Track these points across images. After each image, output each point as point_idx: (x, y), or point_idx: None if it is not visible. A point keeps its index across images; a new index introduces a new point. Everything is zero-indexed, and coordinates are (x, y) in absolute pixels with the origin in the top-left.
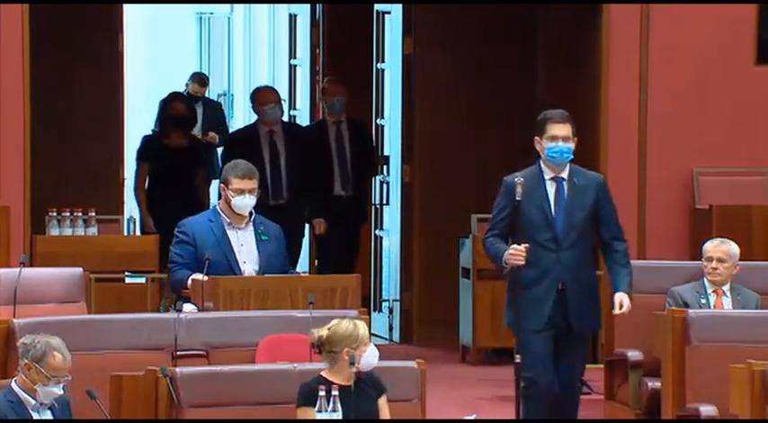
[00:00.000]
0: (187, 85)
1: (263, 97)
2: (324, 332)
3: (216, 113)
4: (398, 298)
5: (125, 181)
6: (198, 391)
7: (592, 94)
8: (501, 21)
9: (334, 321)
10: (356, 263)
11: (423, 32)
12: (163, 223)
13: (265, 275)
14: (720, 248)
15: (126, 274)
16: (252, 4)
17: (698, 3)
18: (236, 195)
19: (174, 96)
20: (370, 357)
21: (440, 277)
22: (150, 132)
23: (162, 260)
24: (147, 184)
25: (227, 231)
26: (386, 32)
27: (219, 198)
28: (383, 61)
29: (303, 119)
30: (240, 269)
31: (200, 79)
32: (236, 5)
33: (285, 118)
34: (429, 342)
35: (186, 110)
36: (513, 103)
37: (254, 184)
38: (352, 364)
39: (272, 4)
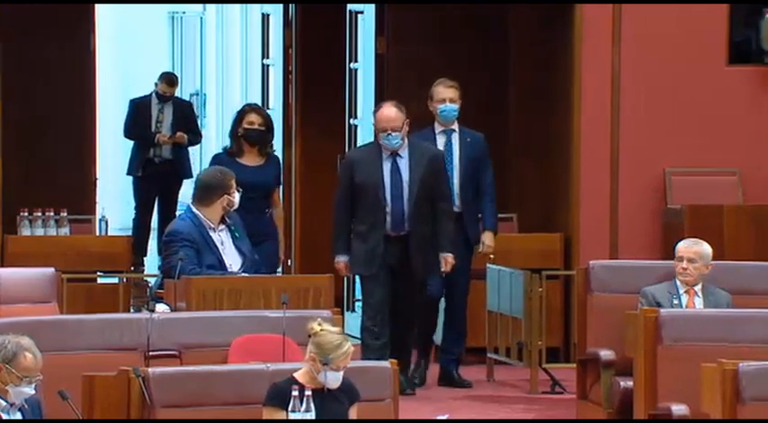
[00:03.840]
0: (156, 84)
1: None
2: (317, 329)
3: (187, 113)
4: None
5: (97, 181)
6: (170, 392)
7: (564, 95)
8: (474, 21)
9: (333, 329)
10: None
11: (396, 32)
12: None
13: (238, 275)
14: (692, 249)
15: (98, 274)
16: (224, 4)
17: (669, 3)
18: (234, 193)
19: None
20: (331, 379)
21: None
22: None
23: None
24: None
25: (210, 233)
26: (359, 32)
27: (202, 202)
28: (356, 61)
29: (275, 119)
30: (228, 270)
31: (168, 79)
32: (208, 5)
33: None
34: None
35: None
36: (486, 102)
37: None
38: (319, 372)
39: (244, 4)
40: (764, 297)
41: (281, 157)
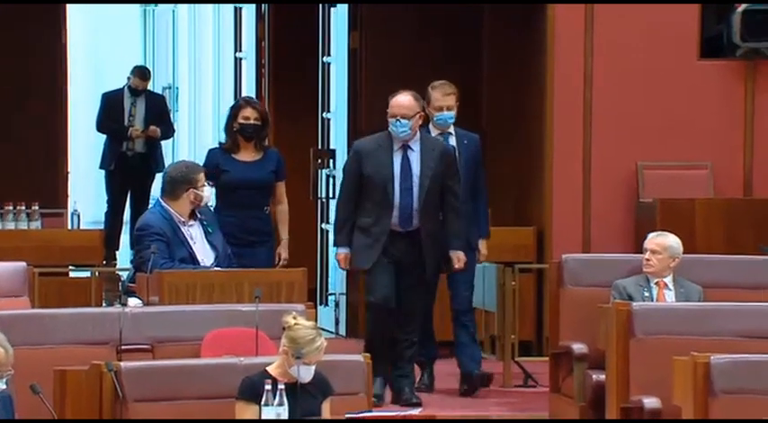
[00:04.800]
0: (129, 78)
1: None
2: (291, 323)
3: (159, 107)
4: (345, 291)
5: (69, 174)
6: (143, 386)
7: (537, 90)
8: (447, 15)
9: (308, 323)
10: None
11: (369, 26)
12: None
13: (211, 269)
14: (655, 240)
15: (70, 268)
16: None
17: (641, 2)
18: (204, 188)
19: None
20: (303, 373)
21: None
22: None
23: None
24: None
25: (181, 228)
26: (332, 26)
27: (169, 196)
28: (329, 55)
29: None
30: (200, 265)
31: (141, 73)
32: None
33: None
34: None
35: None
36: (459, 97)
37: None
38: (291, 366)
39: None
40: (735, 290)
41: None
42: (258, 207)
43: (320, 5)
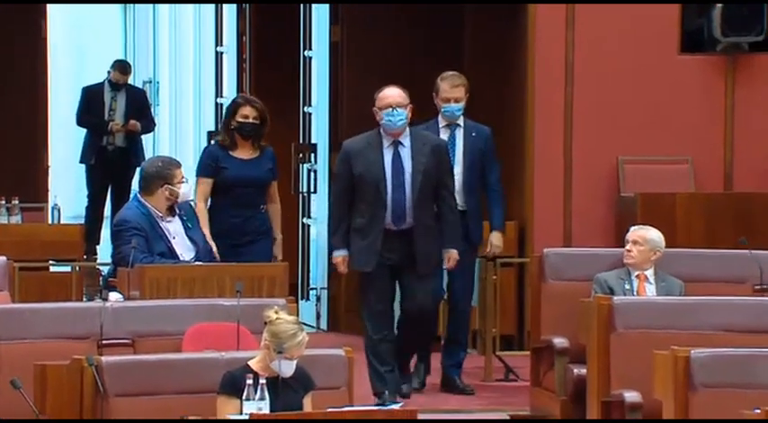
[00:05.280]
0: (109, 72)
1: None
2: (273, 317)
3: (140, 101)
4: (326, 286)
5: (49, 169)
6: (124, 380)
7: (518, 84)
8: (428, 9)
9: (289, 317)
10: None
11: (350, 20)
12: None
13: (192, 264)
14: (637, 232)
15: (50, 262)
16: None
17: (622, 2)
18: (181, 184)
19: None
20: (285, 368)
21: None
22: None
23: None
24: None
25: (160, 223)
26: (313, 20)
27: (144, 192)
28: (310, 49)
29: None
30: (180, 259)
31: (121, 67)
32: None
33: (212, 107)
34: (356, 330)
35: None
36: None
37: None
38: (272, 360)
39: None
40: (716, 284)
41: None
42: (255, 206)
43: (301, 5)
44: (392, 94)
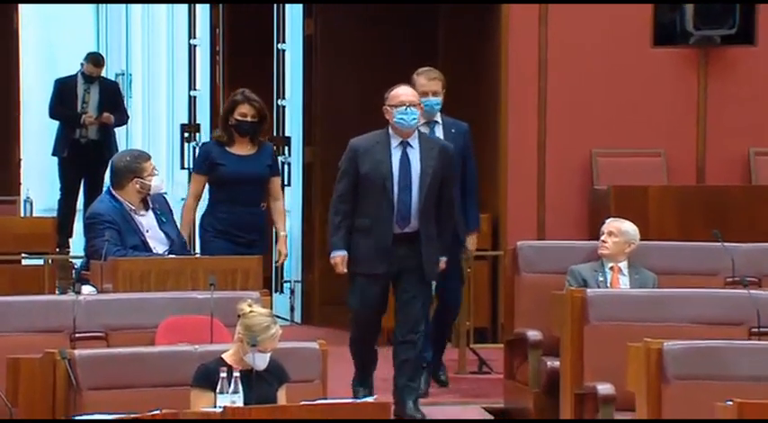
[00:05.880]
0: (82, 64)
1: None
2: (246, 310)
3: (113, 94)
4: (300, 279)
5: (21, 161)
6: (97, 374)
7: (491, 76)
8: (402, 4)
9: (263, 310)
10: None
11: (324, 14)
12: None
13: (165, 257)
14: (613, 224)
15: (23, 255)
16: None
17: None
18: (152, 177)
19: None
20: (258, 361)
21: None
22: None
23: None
24: None
25: (133, 216)
26: (287, 13)
27: (115, 187)
28: (284, 42)
29: (203, 100)
30: (153, 253)
31: (94, 60)
32: None
33: (185, 100)
34: (330, 323)
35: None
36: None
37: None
38: (246, 353)
39: None
40: (689, 277)
41: (207, 138)
42: (254, 203)
43: (275, 5)
44: (405, 92)
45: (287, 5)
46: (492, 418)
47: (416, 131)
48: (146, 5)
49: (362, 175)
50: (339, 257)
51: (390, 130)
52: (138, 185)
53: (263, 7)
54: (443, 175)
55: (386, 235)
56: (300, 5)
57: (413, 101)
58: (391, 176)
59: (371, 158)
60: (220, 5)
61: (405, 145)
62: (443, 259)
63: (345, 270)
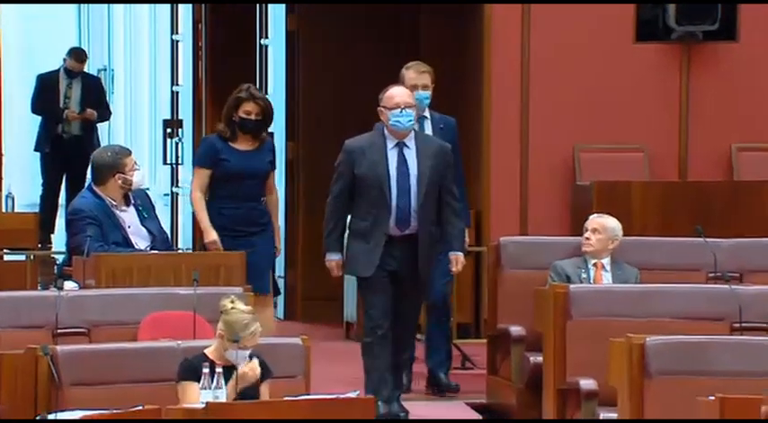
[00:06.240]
0: (65, 60)
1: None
2: (228, 307)
3: (95, 89)
4: (283, 275)
5: (3, 157)
6: (79, 370)
7: (474, 73)
8: (385, 2)
9: (245, 307)
10: None
11: (306, 9)
12: None
13: (148, 252)
14: (597, 220)
15: (5, 251)
16: None
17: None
18: (133, 172)
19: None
20: (240, 357)
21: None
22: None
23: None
24: None
25: (114, 211)
26: (269, 8)
27: (97, 183)
28: (267, 37)
29: (185, 95)
30: (135, 248)
31: (77, 55)
32: None
33: (167, 95)
34: (313, 319)
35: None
36: (397, 80)
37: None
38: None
39: None
40: (671, 272)
41: (189, 134)
42: (256, 198)
43: (257, 5)
44: (400, 93)
45: (269, 2)
46: (475, 413)
47: (412, 131)
48: None
49: (358, 177)
50: (334, 261)
51: (386, 131)
52: (119, 181)
53: (245, 3)
54: (442, 176)
55: (381, 237)
56: (283, 2)
57: (408, 102)
58: (388, 180)
59: (367, 160)
60: (203, 2)
61: (401, 146)
62: (458, 255)
63: (341, 274)
